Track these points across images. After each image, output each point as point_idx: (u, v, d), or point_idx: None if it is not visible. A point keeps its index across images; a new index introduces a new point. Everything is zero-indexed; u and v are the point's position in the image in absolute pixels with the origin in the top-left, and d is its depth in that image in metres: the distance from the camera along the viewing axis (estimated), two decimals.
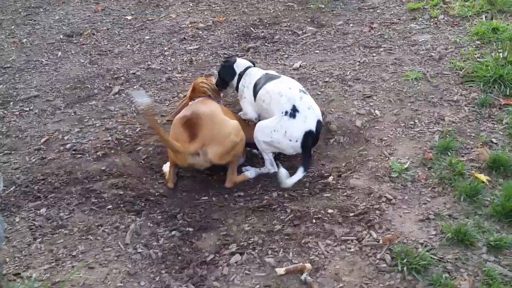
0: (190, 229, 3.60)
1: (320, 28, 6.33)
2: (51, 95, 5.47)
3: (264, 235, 3.44)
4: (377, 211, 3.50)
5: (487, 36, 5.42)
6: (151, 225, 3.66)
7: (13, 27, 7.19)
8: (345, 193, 3.76)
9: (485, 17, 5.88)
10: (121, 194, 3.95)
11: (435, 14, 6.12)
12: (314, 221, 3.50)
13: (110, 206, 3.82)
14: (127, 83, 5.57)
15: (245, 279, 3.13)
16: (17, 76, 5.92)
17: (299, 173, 3.93)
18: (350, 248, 3.25)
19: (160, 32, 6.68)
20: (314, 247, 3.29)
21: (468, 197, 3.52)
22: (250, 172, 4.21)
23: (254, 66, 4.65)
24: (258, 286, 3.06)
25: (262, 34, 6.35)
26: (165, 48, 6.27)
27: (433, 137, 4.16)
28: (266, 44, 6.10)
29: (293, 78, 4.70)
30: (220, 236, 3.51)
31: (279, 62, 5.66)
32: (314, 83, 5.15)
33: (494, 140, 4.07)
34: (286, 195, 3.87)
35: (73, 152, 4.50)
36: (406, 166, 3.88)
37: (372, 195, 3.66)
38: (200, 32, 6.57)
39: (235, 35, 6.43)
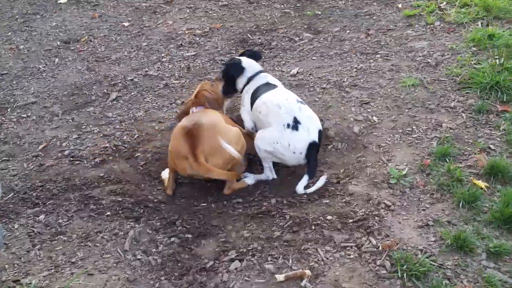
0: (189, 236, 3.60)
1: (317, 35, 6.35)
2: (48, 101, 5.47)
3: (264, 242, 3.44)
4: (376, 218, 3.51)
5: (483, 42, 5.44)
6: (150, 231, 3.65)
7: (10, 33, 7.18)
8: (344, 200, 3.77)
9: (481, 23, 5.91)
10: (120, 201, 3.95)
11: (431, 20, 6.14)
12: (313, 227, 3.51)
13: (108, 213, 3.82)
14: (125, 90, 5.58)
15: (244, 285, 3.13)
16: (14, 82, 5.91)
17: (303, 180, 3.96)
18: (349, 255, 3.25)
19: (157, 39, 6.68)
20: (314, 254, 3.29)
21: (466, 204, 3.53)
22: (249, 179, 4.21)
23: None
24: None
25: (259, 40, 6.37)
26: (163, 55, 6.27)
27: (431, 144, 4.17)
28: (263, 50, 6.11)
29: (290, 84, 4.72)
30: (219, 242, 3.51)
31: (276, 68, 5.67)
32: (311, 89, 5.16)
33: (491, 146, 4.08)
34: (285, 202, 3.88)
35: (71, 158, 4.50)
36: (404, 172, 3.89)
37: (371, 202, 3.67)
38: (197, 39, 6.58)
39: (232, 41, 6.44)
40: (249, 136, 4.36)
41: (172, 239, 3.57)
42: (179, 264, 3.35)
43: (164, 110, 5.15)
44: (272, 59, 5.89)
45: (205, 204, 4.00)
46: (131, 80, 5.76)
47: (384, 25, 6.32)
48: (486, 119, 4.40)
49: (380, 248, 3.26)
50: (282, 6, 7.27)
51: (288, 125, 3.96)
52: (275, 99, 4.12)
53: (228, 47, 6.30)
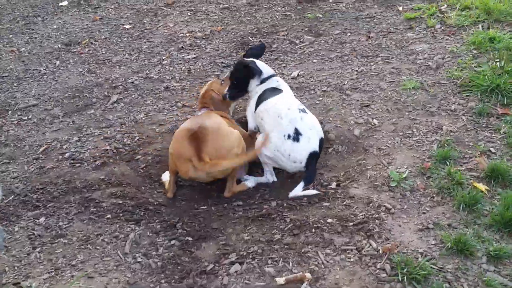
0: (190, 239, 3.60)
1: (317, 37, 6.35)
2: (49, 104, 5.48)
3: (264, 245, 3.44)
4: (376, 221, 3.51)
5: (483, 45, 5.44)
6: (151, 234, 3.65)
7: (11, 36, 7.19)
8: (344, 203, 3.77)
9: (482, 26, 5.91)
10: (120, 203, 3.95)
11: (432, 23, 6.15)
12: (313, 230, 3.51)
13: (109, 215, 3.82)
14: (125, 92, 5.58)
15: None
16: (15, 85, 5.92)
17: (299, 186, 3.97)
18: (350, 258, 3.25)
19: (158, 41, 6.69)
20: (314, 257, 3.29)
21: (467, 207, 3.53)
22: (249, 181, 4.21)
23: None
24: None
25: (260, 43, 6.37)
26: (163, 57, 6.28)
27: (431, 146, 4.17)
28: (264, 53, 6.11)
29: (291, 87, 4.70)
30: (219, 245, 3.51)
31: (277, 71, 5.67)
32: (312, 92, 5.17)
33: (492, 149, 4.08)
34: (285, 205, 3.87)
35: (72, 161, 4.51)
36: (404, 175, 3.89)
37: (371, 205, 3.67)
38: (198, 41, 6.58)
39: (233, 44, 6.45)
40: (251, 138, 4.37)
41: (173, 242, 3.57)
42: (179, 267, 3.34)
43: (165, 113, 5.15)
44: (273, 61, 5.89)
45: (205, 207, 4.00)
46: (132, 82, 5.76)
47: (384, 28, 6.33)
48: (487, 122, 4.40)
49: (381, 251, 3.25)
50: (283, 8, 7.28)
51: (289, 136, 3.96)
52: (277, 107, 4.10)
53: (229, 50, 6.31)
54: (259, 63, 4.43)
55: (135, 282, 3.23)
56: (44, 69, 6.23)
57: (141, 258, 3.42)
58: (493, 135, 4.25)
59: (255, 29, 6.74)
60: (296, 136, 3.95)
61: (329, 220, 3.58)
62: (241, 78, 4.39)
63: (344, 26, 6.55)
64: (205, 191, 4.22)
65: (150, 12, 7.61)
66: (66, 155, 4.59)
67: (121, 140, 4.76)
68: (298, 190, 3.95)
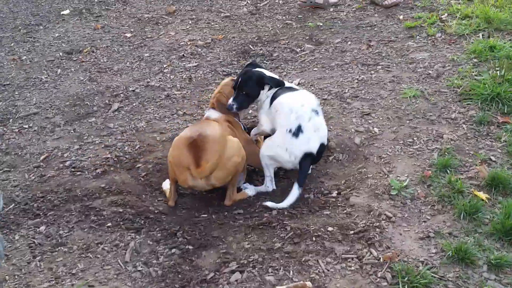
0: (190, 247, 3.59)
1: (318, 46, 6.37)
2: (50, 112, 5.49)
3: (264, 253, 3.43)
4: (377, 229, 3.51)
5: (484, 54, 5.45)
6: (151, 243, 3.65)
7: (12, 44, 7.22)
8: (344, 211, 3.76)
9: (482, 35, 5.92)
10: (121, 212, 3.95)
11: (432, 32, 6.16)
12: (314, 239, 3.50)
13: (109, 224, 3.82)
14: (127, 100, 5.59)
15: None
16: (16, 93, 5.94)
17: (295, 190, 3.97)
18: (350, 266, 3.25)
19: (159, 50, 6.71)
20: (315, 265, 3.28)
21: (467, 215, 3.52)
22: (250, 190, 4.21)
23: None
24: None
25: (261, 51, 6.39)
26: (164, 66, 6.29)
27: (432, 155, 4.17)
28: (264, 61, 6.14)
29: None
30: (220, 254, 3.50)
31: None
32: None
33: (492, 158, 4.08)
34: (285, 213, 3.87)
35: (73, 169, 4.51)
36: (405, 183, 3.89)
37: (372, 213, 3.67)
38: (199, 50, 6.60)
39: (234, 52, 6.47)
40: (250, 147, 4.36)
41: (173, 250, 3.56)
42: (179, 276, 3.34)
43: (166, 121, 5.16)
44: (273, 70, 5.90)
45: (206, 215, 4.00)
46: (133, 91, 5.77)
47: (385, 37, 6.34)
48: (487, 130, 4.40)
49: (381, 260, 3.25)
50: (283, 17, 7.31)
51: (291, 131, 3.98)
52: (291, 102, 4.12)
53: (230, 58, 6.33)
54: (267, 72, 4.43)
55: None
56: (45, 78, 6.25)
57: (141, 267, 3.41)
58: (494, 143, 4.25)
59: (256, 38, 6.76)
60: (297, 132, 3.96)
61: (330, 229, 3.57)
62: (251, 89, 4.31)
63: (344, 34, 6.57)
64: (206, 200, 4.22)
65: (151, 20, 7.63)
66: (67, 163, 4.59)
67: (122, 148, 4.77)
68: (295, 195, 3.98)
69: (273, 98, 4.27)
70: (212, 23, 7.37)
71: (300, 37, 6.67)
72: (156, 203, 4.14)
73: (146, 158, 4.61)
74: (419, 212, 3.65)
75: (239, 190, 4.20)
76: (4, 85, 6.13)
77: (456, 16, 6.42)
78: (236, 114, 4.49)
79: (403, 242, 3.39)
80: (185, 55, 6.50)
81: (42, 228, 3.80)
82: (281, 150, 4.01)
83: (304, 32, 6.79)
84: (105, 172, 4.44)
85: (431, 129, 4.48)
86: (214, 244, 3.61)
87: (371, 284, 3.10)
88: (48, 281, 3.31)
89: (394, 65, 5.64)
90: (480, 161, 4.05)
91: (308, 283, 3.11)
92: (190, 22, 7.46)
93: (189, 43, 6.80)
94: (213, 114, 4.37)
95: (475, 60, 5.44)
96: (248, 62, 4.97)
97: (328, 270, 3.24)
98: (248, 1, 7.96)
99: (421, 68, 5.48)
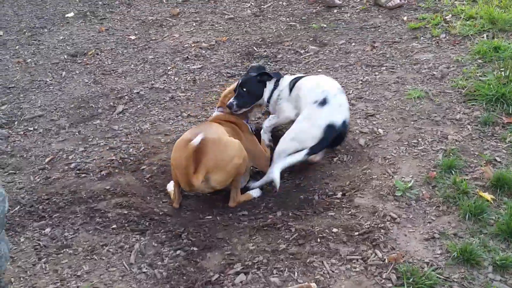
0: (195, 249, 3.59)
1: (322, 47, 6.37)
2: (55, 114, 5.50)
3: (269, 255, 3.43)
4: (382, 230, 3.50)
5: (488, 54, 5.44)
6: (156, 244, 3.66)
7: (17, 47, 7.24)
8: (349, 212, 3.76)
9: (487, 36, 5.91)
10: (126, 214, 3.96)
11: (436, 33, 6.15)
12: (318, 240, 3.50)
13: (114, 226, 3.82)
14: (131, 103, 5.60)
15: None
16: (21, 96, 5.96)
17: (301, 154, 4.06)
18: (355, 268, 3.24)
19: (164, 52, 6.72)
20: (319, 267, 3.28)
21: (473, 216, 3.51)
22: (255, 191, 4.22)
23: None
24: None
25: (265, 53, 6.39)
26: (169, 68, 6.30)
27: (436, 156, 4.16)
28: (269, 63, 6.14)
29: None
30: (224, 255, 3.50)
31: None
32: None
33: (497, 158, 4.07)
34: (290, 214, 3.87)
35: (78, 171, 4.52)
36: (410, 184, 3.88)
37: (376, 214, 3.66)
38: (203, 52, 6.61)
39: (238, 54, 6.47)
40: (256, 149, 4.37)
41: (178, 252, 3.57)
42: (184, 277, 3.34)
43: (170, 123, 5.17)
44: (277, 71, 5.90)
45: (210, 217, 4.00)
46: (137, 93, 5.78)
47: (389, 38, 6.34)
48: (492, 131, 4.39)
49: (386, 261, 3.25)
50: (287, 19, 7.31)
51: (316, 101, 4.09)
52: (317, 79, 4.34)
53: (234, 60, 6.33)
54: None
55: None
56: (50, 80, 6.26)
57: (146, 269, 3.42)
58: (499, 144, 4.24)
59: (260, 39, 6.76)
60: (323, 103, 4.08)
61: (335, 230, 3.57)
62: (252, 86, 4.42)
63: (348, 36, 6.57)
64: (210, 201, 4.22)
65: (155, 23, 7.65)
66: (72, 165, 4.60)
67: (126, 150, 4.78)
68: (297, 157, 4.05)
69: (292, 86, 4.38)
70: (216, 25, 7.37)
71: (304, 38, 6.67)
72: (160, 205, 4.15)
73: (151, 160, 4.62)
74: (424, 213, 3.64)
75: (245, 190, 4.20)
76: (9, 87, 6.15)
77: (461, 17, 6.40)
78: (245, 115, 4.52)
79: (408, 243, 3.39)
80: (189, 57, 6.51)
81: (47, 230, 3.81)
82: (305, 123, 4.08)
83: (308, 33, 6.79)
84: (110, 174, 4.45)
85: (435, 130, 4.47)
86: (218, 246, 3.61)
87: (376, 285, 3.09)
88: (53, 283, 3.32)
89: (399, 66, 5.64)
90: (485, 161, 4.04)
91: (313, 284, 3.11)
92: (194, 24, 7.46)
93: (193, 45, 6.80)
94: (218, 113, 4.42)
95: (479, 61, 5.42)
96: (252, 64, 4.97)
97: (333, 271, 3.23)
98: (252, 3, 7.97)
99: (425, 69, 5.47)
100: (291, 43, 6.58)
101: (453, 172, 3.94)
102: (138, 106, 5.52)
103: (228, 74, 5.99)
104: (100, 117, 5.38)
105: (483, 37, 5.89)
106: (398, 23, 6.68)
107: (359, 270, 3.22)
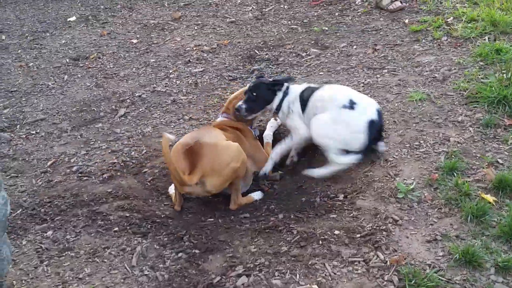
0: (197, 251, 3.59)
1: (324, 50, 6.37)
2: (57, 118, 5.51)
3: (271, 257, 3.43)
4: (383, 232, 3.49)
5: (490, 57, 5.44)
6: (158, 247, 3.66)
7: (19, 51, 7.27)
8: (351, 214, 3.75)
9: (488, 38, 5.91)
10: (127, 216, 3.96)
11: (438, 35, 6.15)
12: (320, 242, 3.49)
13: (116, 228, 3.83)
14: (133, 106, 5.61)
15: None
16: (23, 99, 5.97)
17: (356, 155, 4.14)
18: (357, 270, 3.23)
19: (165, 55, 6.74)
20: (321, 269, 3.27)
21: (475, 218, 3.50)
22: (256, 194, 4.22)
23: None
24: None
25: (267, 56, 6.40)
26: (170, 71, 6.32)
27: (438, 158, 4.16)
28: (270, 66, 6.15)
29: None
30: (226, 258, 3.50)
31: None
32: None
33: (499, 160, 4.06)
34: (292, 216, 3.87)
35: (80, 174, 4.53)
36: (412, 187, 3.87)
37: (378, 216, 3.65)
38: (205, 55, 6.62)
39: (240, 57, 6.48)
40: (260, 154, 4.37)
41: (180, 254, 3.57)
42: (186, 280, 3.34)
43: (172, 126, 5.17)
44: (279, 74, 5.91)
45: (212, 219, 4.00)
46: (139, 96, 5.80)
47: (391, 40, 6.34)
48: (494, 133, 4.38)
49: (388, 263, 3.24)
50: (289, 22, 7.32)
51: (345, 106, 4.10)
52: (333, 88, 4.37)
53: (235, 63, 6.34)
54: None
55: None
56: (52, 84, 6.28)
57: (148, 271, 3.42)
58: (501, 146, 4.23)
59: (262, 43, 6.77)
60: (351, 105, 4.09)
61: (336, 232, 3.56)
62: (262, 91, 4.40)
63: (350, 38, 6.58)
64: (212, 204, 4.23)
65: (157, 26, 7.67)
66: (74, 168, 4.61)
67: (128, 153, 4.78)
68: (346, 159, 4.13)
69: (303, 100, 4.36)
70: (218, 29, 7.39)
71: (306, 41, 6.67)
72: (162, 208, 4.15)
73: (153, 163, 4.63)
74: (426, 215, 3.63)
75: (245, 194, 4.21)
76: (12, 91, 6.17)
77: (462, 20, 6.41)
78: (249, 121, 4.51)
79: (410, 245, 3.38)
80: (191, 60, 6.52)
81: (49, 233, 3.82)
82: (342, 128, 4.08)
83: (310, 36, 6.80)
84: (111, 177, 4.45)
85: (437, 132, 4.46)
86: (220, 248, 3.61)
87: None
88: (55, 285, 3.32)
89: (400, 68, 5.64)
90: (487, 163, 4.03)
91: (315, 287, 3.11)
92: (195, 28, 7.48)
93: (195, 48, 6.82)
94: (223, 119, 4.43)
95: (481, 63, 5.42)
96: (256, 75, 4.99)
97: (334, 274, 3.23)
98: (254, 6, 7.99)
99: (427, 71, 5.47)
100: (292, 46, 6.59)
101: (455, 174, 3.93)
102: (140, 109, 5.53)
103: (229, 77, 6.00)
104: (102, 121, 5.39)
105: (484, 40, 5.89)
106: (399, 26, 6.69)
107: (361, 272, 3.21)
